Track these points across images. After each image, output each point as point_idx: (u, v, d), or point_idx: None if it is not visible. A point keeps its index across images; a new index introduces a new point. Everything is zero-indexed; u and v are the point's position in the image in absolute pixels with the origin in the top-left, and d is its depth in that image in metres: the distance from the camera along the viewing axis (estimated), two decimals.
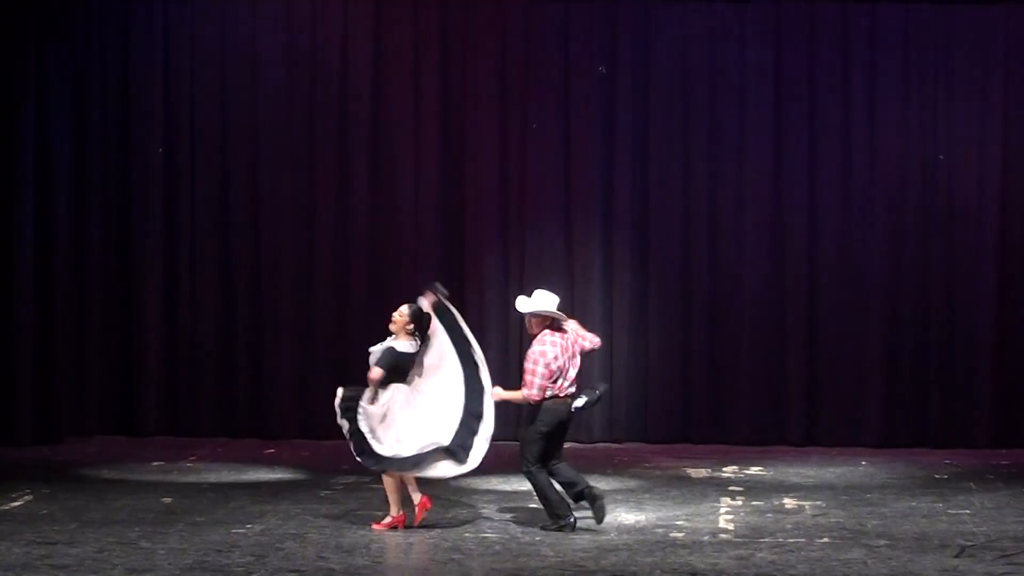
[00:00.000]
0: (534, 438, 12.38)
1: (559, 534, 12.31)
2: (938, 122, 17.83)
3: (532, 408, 12.40)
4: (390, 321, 12.56)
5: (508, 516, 13.05)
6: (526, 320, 12.62)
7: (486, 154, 18.16)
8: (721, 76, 18.01)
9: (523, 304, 12.56)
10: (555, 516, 12.44)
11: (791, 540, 12.24)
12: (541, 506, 12.54)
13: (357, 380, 17.91)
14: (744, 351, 17.95)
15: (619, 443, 17.97)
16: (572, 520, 12.43)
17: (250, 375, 18.25)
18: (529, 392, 12.31)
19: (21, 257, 17.56)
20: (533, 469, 12.39)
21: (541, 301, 12.48)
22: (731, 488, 14.87)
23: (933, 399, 17.78)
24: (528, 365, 12.35)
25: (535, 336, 12.49)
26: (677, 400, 18.05)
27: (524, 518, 12.96)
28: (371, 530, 12.38)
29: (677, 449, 17.55)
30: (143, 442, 17.84)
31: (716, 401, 18.00)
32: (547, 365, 12.30)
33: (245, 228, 18.29)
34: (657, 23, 18.04)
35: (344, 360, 18.05)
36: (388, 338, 12.56)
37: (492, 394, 12.39)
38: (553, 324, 12.49)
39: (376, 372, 12.43)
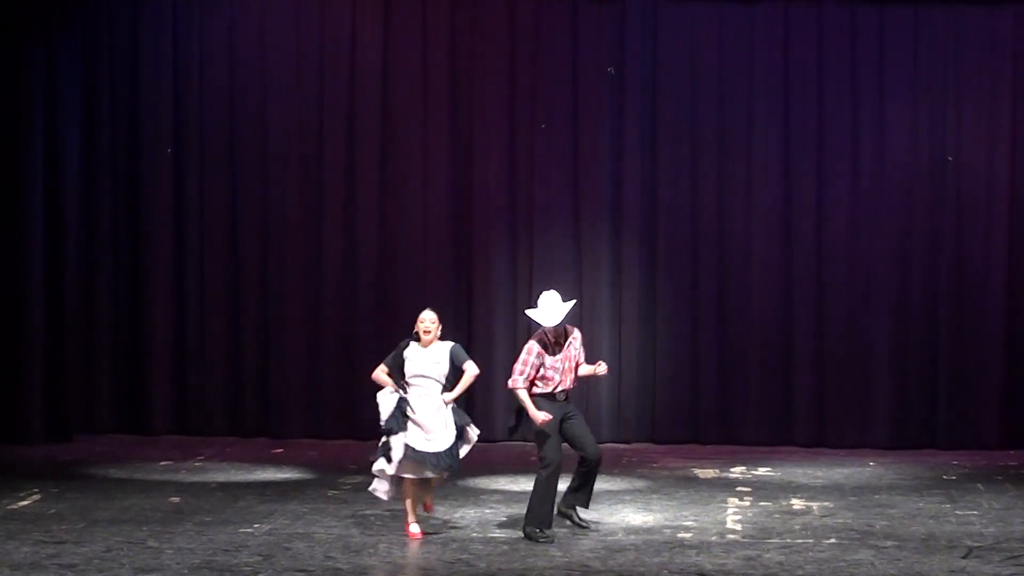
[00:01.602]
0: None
1: (563, 533, 12.32)
2: (947, 123, 17.81)
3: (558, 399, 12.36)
4: (425, 331, 12.14)
5: (516, 516, 13.04)
6: (560, 326, 12.31)
7: (495, 154, 18.16)
8: (730, 76, 18.00)
9: (559, 311, 12.25)
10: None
11: (799, 541, 12.24)
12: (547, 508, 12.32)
13: (362, 380, 18.04)
14: (752, 352, 17.94)
15: (627, 443, 17.96)
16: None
17: (258, 375, 18.27)
18: None
19: (31, 257, 17.61)
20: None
21: (559, 301, 12.32)
22: (739, 489, 14.87)
23: (941, 400, 17.77)
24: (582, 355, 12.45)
25: (567, 330, 12.36)
26: (685, 401, 18.04)
27: None
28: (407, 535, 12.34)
29: (685, 449, 17.55)
30: (152, 441, 17.87)
31: (724, 402, 17.99)
32: None
33: (254, 228, 18.30)
34: (666, 23, 18.03)
35: (352, 360, 18.09)
36: (418, 343, 12.23)
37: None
38: None
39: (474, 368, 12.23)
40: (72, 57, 17.94)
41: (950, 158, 17.78)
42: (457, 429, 12.15)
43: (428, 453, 12.03)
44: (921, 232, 17.86)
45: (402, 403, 12.07)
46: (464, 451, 12.24)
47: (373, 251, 18.23)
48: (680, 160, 18.04)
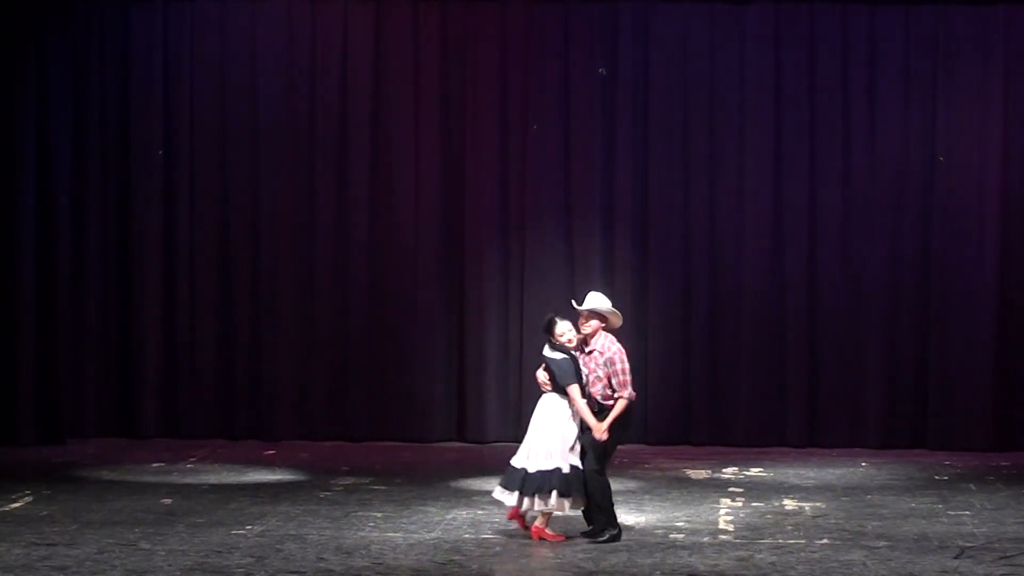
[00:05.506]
0: (614, 440, 12.22)
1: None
2: (938, 123, 17.82)
3: (604, 410, 12.16)
4: (558, 338, 12.19)
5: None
6: (584, 318, 12.33)
7: (486, 155, 18.15)
8: (721, 77, 18.01)
9: (593, 301, 12.34)
10: (611, 524, 12.16)
11: (791, 541, 12.24)
12: (596, 511, 12.14)
13: (356, 382, 18.07)
14: (744, 352, 17.94)
15: (619, 444, 17.94)
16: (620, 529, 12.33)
17: (250, 377, 18.24)
18: (631, 392, 12.24)
19: (22, 259, 17.58)
20: (603, 471, 12.16)
21: (604, 300, 12.37)
22: (731, 489, 14.87)
23: (933, 400, 17.77)
24: (617, 367, 12.20)
25: (589, 336, 12.29)
26: (677, 401, 18.04)
27: None
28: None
29: (677, 450, 17.55)
30: (143, 443, 17.83)
31: (716, 402, 17.99)
32: (627, 364, 12.27)
33: (244, 230, 18.28)
34: (657, 24, 18.03)
35: (344, 361, 18.08)
36: (552, 349, 12.24)
37: (600, 428, 12.05)
38: (608, 328, 12.39)
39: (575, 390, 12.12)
40: (63, 59, 17.90)
41: (941, 158, 17.80)
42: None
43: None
44: (912, 232, 17.87)
45: None
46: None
47: (365, 252, 18.22)
48: (672, 161, 18.04)
